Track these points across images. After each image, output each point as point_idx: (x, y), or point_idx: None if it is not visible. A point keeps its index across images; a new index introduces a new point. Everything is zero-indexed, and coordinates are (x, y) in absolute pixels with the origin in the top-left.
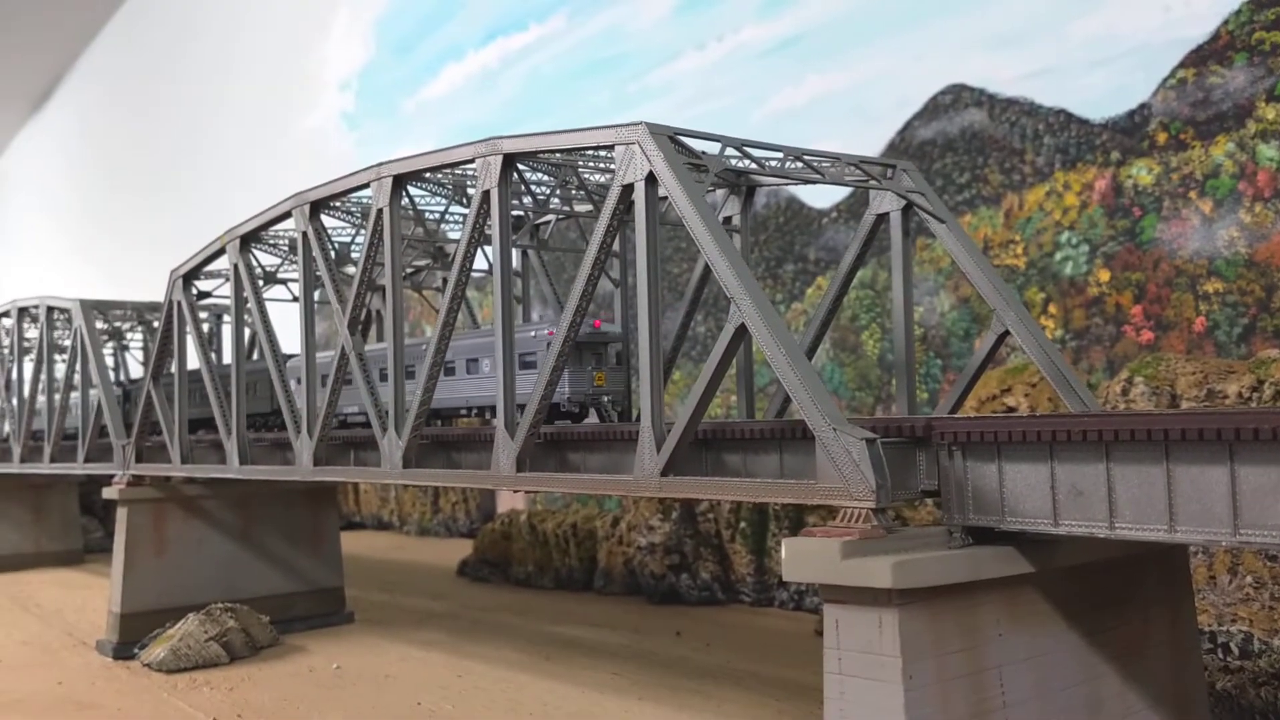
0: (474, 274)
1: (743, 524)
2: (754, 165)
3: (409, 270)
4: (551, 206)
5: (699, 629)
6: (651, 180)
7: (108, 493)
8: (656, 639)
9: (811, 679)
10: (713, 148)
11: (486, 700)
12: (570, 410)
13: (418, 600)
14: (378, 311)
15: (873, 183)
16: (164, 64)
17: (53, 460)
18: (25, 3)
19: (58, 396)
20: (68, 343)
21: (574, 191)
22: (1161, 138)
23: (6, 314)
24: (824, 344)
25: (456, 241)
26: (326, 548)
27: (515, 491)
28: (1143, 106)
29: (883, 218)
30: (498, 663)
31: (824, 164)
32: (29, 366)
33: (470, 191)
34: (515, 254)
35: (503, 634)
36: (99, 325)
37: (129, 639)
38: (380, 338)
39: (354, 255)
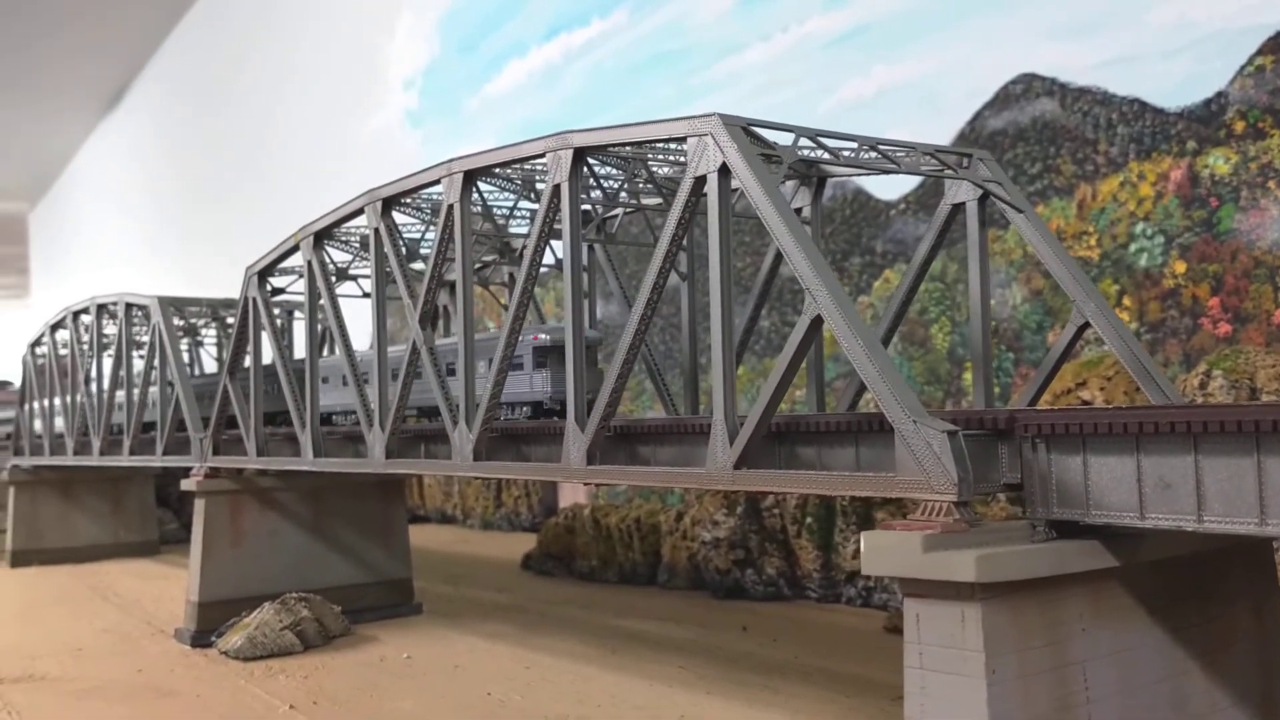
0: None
1: (809, 519)
2: (828, 155)
3: (476, 266)
4: (620, 200)
5: (765, 624)
6: (725, 172)
7: (186, 484)
8: (722, 634)
9: (881, 675)
10: (785, 138)
11: (554, 692)
12: (551, 408)
13: (483, 593)
14: (444, 307)
15: (949, 172)
16: (232, 65)
17: (132, 453)
18: (97, 6)
19: (136, 391)
20: (144, 339)
21: (642, 185)
22: (1239, 126)
23: (86, 310)
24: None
25: (521, 236)
26: (396, 540)
27: (586, 484)
28: (1219, 95)
29: (958, 208)
30: (564, 655)
31: (899, 154)
32: (108, 362)
33: (539, 187)
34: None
35: (568, 627)
36: (175, 321)
37: (206, 627)
38: (447, 333)
39: (423, 252)
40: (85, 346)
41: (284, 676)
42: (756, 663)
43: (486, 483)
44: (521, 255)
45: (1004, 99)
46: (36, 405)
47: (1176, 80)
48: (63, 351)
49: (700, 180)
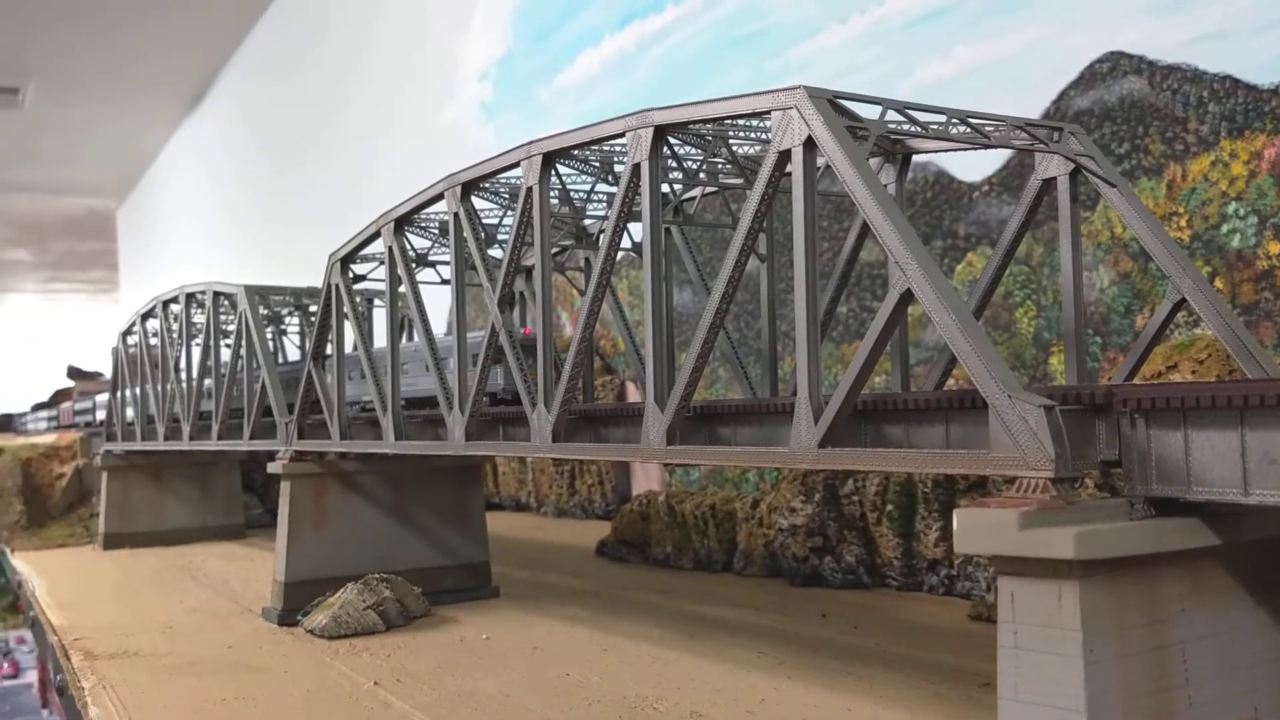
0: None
1: (889, 506)
2: (917, 128)
3: (553, 251)
4: (700, 178)
5: (845, 612)
6: (810, 145)
7: (272, 467)
8: (801, 620)
9: (966, 662)
10: (871, 113)
11: (634, 674)
12: (504, 399)
13: (559, 578)
14: (519, 293)
15: (1039, 146)
16: (311, 63)
17: (220, 438)
18: (179, 6)
19: (224, 378)
20: (231, 327)
21: (721, 165)
22: None
23: (175, 300)
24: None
25: (598, 219)
26: (473, 524)
27: (666, 465)
28: None
29: (1049, 183)
30: (642, 639)
31: (988, 127)
32: (195, 350)
33: (618, 169)
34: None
35: (645, 612)
36: (260, 310)
37: (292, 606)
38: (523, 320)
39: (500, 238)
40: (174, 335)
41: (368, 655)
42: (837, 649)
43: (560, 470)
44: (598, 239)
45: (1089, 78)
46: (127, 393)
47: (1269, 56)
48: (152, 341)
49: (784, 155)
